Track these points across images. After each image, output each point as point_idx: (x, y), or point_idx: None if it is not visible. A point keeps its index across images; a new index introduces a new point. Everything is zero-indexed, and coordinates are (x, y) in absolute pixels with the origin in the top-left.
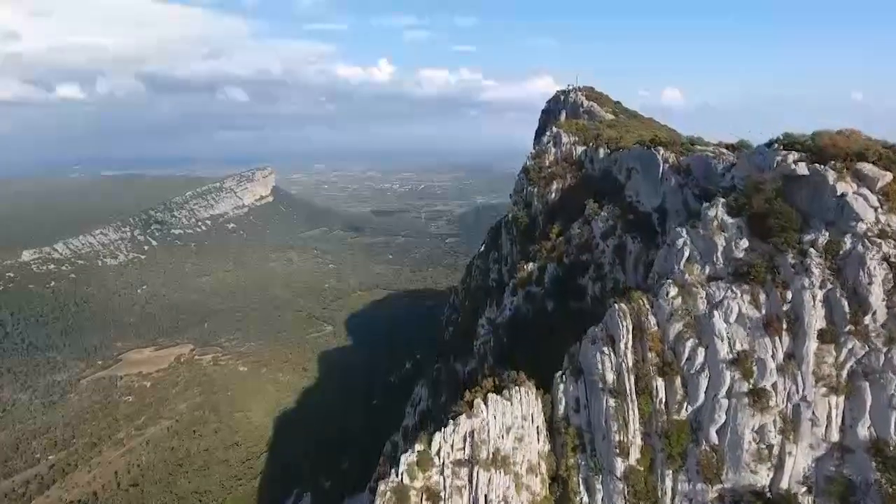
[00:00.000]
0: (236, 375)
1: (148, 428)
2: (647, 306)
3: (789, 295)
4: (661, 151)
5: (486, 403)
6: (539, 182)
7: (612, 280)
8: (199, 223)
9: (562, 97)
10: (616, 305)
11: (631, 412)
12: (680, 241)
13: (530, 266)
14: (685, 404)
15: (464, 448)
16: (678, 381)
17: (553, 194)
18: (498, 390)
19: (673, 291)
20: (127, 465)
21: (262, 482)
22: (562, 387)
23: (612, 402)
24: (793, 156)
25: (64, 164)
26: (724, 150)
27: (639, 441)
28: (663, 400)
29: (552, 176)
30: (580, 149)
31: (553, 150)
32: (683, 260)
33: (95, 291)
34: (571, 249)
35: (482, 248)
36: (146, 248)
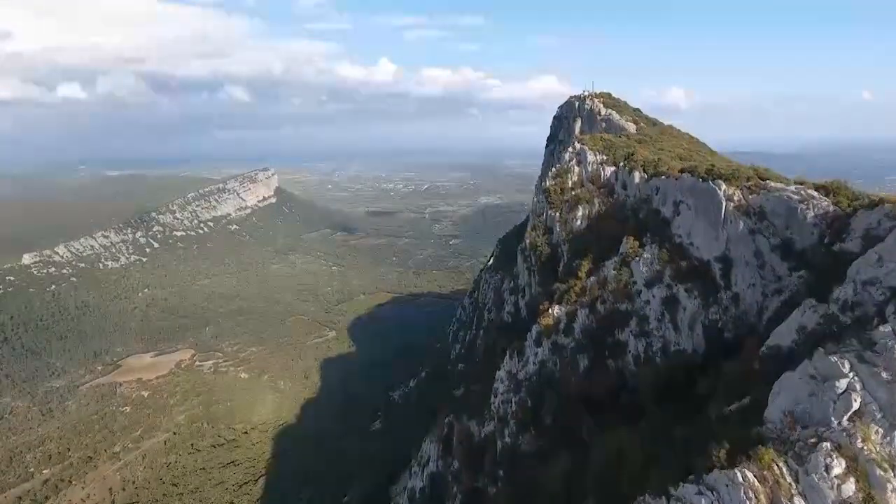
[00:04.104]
0: (237, 383)
1: (144, 441)
2: (790, 481)
3: None
4: (723, 187)
5: None
6: (561, 206)
7: (660, 339)
8: (202, 224)
9: (576, 103)
10: (739, 474)
11: None
12: (842, 383)
13: (556, 310)
14: None
15: None
16: None
17: (578, 221)
18: None
19: (838, 467)
20: (122, 481)
21: None
22: None
23: None
24: None
25: (68, 163)
26: (814, 193)
27: None
28: None
29: (576, 200)
30: (609, 169)
31: (576, 169)
32: (850, 412)
33: (96, 295)
34: (607, 294)
35: (490, 262)
36: (148, 250)
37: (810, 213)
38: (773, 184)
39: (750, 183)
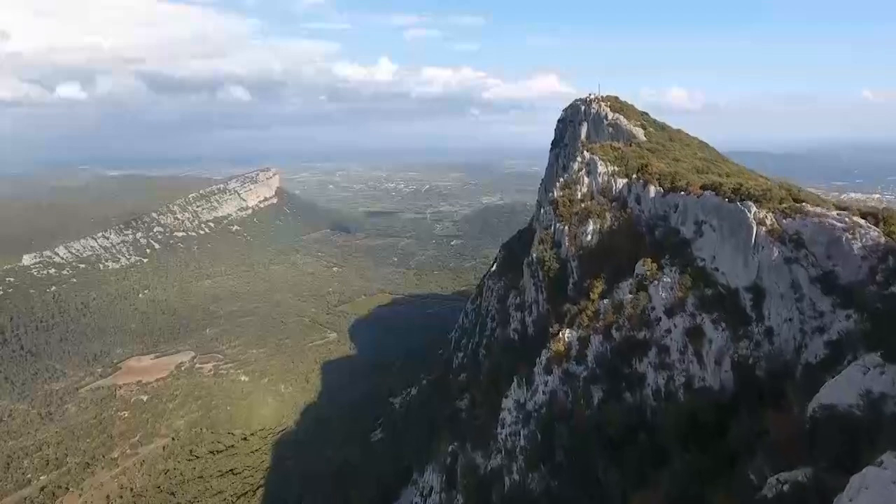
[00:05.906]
0: (237, 387)
1: (143, 446)
2: None
3: None
4: (753, 209)
5: None
6: (570, 219)
7: (682, 373)
8: (203, 225)
9: (582, 107)
10: None
11: None
12: None
13: (567, 335)
14: None
15: None
16: None
17: (589, 236)
18: None
19: None
20: (119, 488)
21: None
22: None
23: None
24: None
25: (68, 163)
26: (860, 221)
27: None
28: None
29: (587, 213)
30: (621, 182)
31: (586, 179)
32: None
33: (96, 296)
34: (622, 320)
35: (494, 268)
36: (148, 251)
37: (857, 244)
38: (809, 207)
39: (783, 206)
